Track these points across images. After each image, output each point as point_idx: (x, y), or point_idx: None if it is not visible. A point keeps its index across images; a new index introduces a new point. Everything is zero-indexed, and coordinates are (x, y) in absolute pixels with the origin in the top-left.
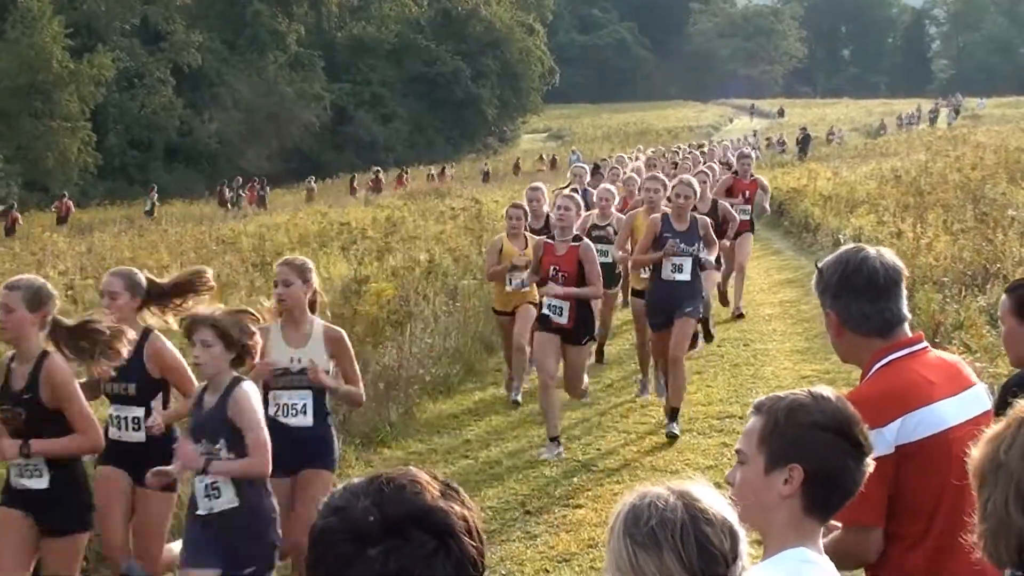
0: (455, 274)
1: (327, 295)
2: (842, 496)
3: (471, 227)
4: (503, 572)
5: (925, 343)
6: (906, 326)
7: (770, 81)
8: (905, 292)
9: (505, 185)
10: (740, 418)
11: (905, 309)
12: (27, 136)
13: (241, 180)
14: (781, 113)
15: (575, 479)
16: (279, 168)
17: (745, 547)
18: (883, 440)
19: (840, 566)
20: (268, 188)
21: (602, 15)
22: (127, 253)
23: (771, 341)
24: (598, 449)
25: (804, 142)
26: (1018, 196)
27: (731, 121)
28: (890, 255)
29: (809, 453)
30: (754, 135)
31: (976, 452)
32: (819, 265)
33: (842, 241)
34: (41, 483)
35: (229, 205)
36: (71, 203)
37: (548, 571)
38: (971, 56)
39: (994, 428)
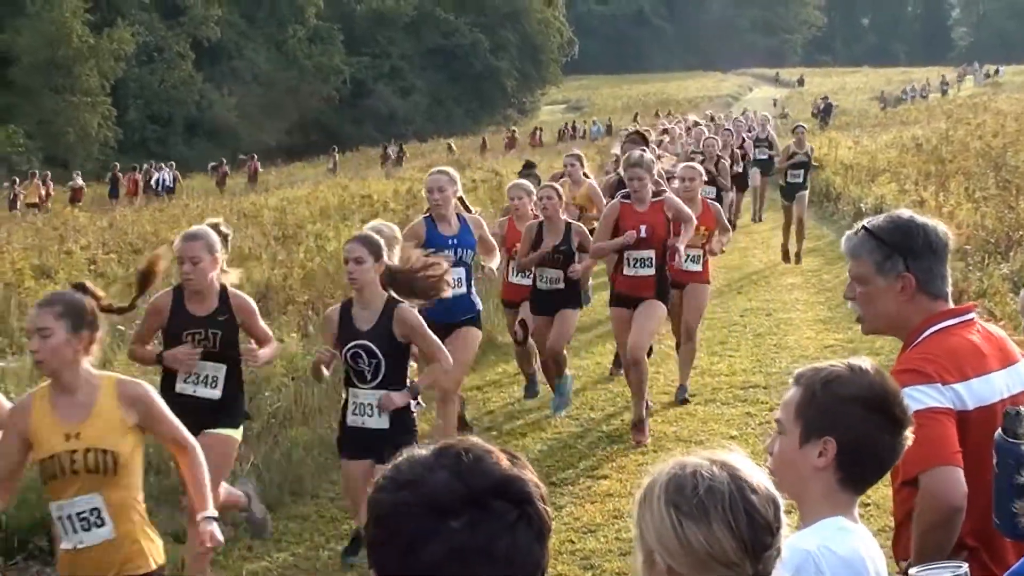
0: None
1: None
2: (877, 470)
3: (493, 199)
4: None
5: (974, 314)
6: None
7: (789, 50)
8: None
9: (526, 156)
10: (764, 388)
11: None
12: (48, 111)
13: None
14: (801, 82)
15: (599, 450)
16: (299, 142)
17: (784, 516)
18: (945, 396)
19: (931, 533)
20: (258, 165)
21: None
22: (148, 228)
23: (794, 311)
24: (622, 420)
25: (825, 111)
26: None
27: (751, 91)
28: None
29: (842, 426)
30: (774, 104)
31: None
32: (869, 227)
33: (863, 210)
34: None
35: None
36: (258, 164)
37: (573, 542)
38: (991, 23)
39: None
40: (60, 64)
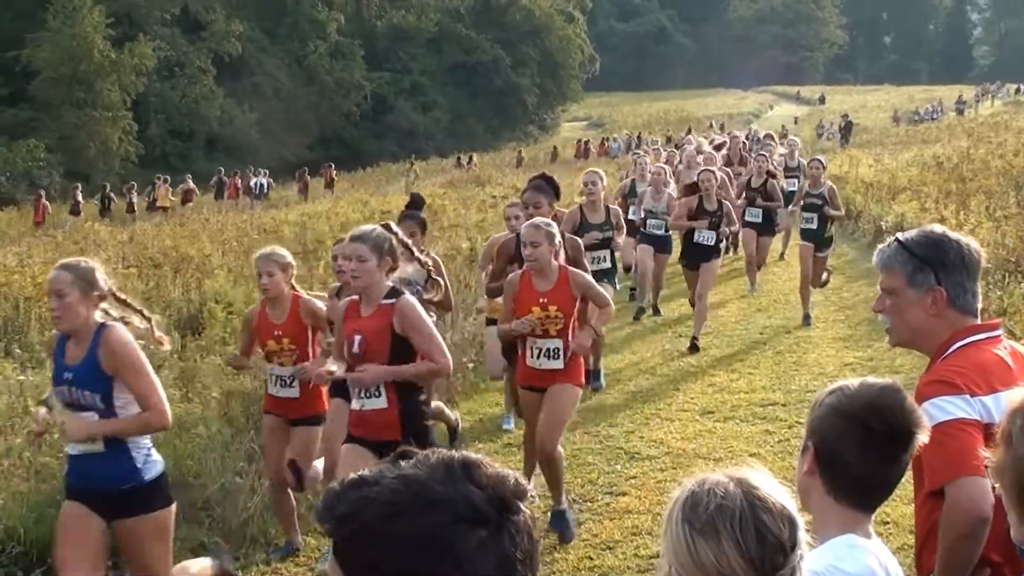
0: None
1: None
2: (851, 482)
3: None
4: (547, 560)
5: (1000, 331)
6: None
7: (810, 68)
8: None
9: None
10: (783, 405)
11: None
12: (69, 126)
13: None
14: (822, 100)
15: (618, 467)
16: (320, 157)
17: (804, 536)
18: (973, 408)
19: (957, 545)
20: (269, 180)
21: (642, 2)
22: (168, 242)
23: (814, 328)
24: (641, 437)
25: (846, 129)
26: None
27: (771, 108)
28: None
29: (819, 434)
30: (795, 122)
31: None
32: (903, 240)
33: (884, 228)
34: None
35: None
36: (333, 171)
37: (592, 558)
38: (1013, 42)
39: None
40: (81, 79)
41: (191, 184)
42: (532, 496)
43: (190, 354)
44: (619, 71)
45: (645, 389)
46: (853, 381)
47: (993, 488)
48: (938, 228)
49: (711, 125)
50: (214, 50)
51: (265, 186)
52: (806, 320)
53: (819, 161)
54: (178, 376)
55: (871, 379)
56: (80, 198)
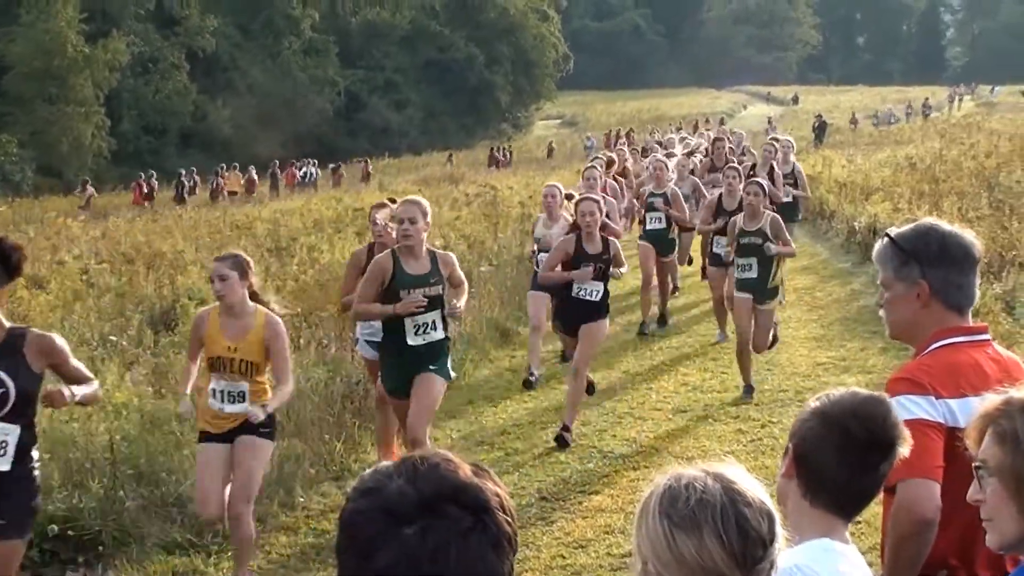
0: (470, 260)
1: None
2: (826, 486)
3: (487, 213)
4: (520, 557)
5: (988, 335)
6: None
7: (784, 68)
8: None
9: (519, 172)
10: (756, 404)
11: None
12: (41, 121)
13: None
14: (796, 100)
15: (591, 465)
16: (293, 154)
17: (780, 530)
18: (936, 409)
19: (902, 545)
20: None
21: (616, 2)
22: (141, 238)
23: (786, 328)
24: (613, 436)
25: (820, 129)
26: None
27: (745, 108)
28: (966, 233)
29: (799, 436)
30: (769, 122)
31: None
32: (892, 235)
33: (857, 229)
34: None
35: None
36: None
37: (564, 556)
38: (986, 43)
39: None
40: (54, 74)
41: (253, 174)
42: (487, 507)
43: (163, 350)
44: (593, 70)
45: (618, 388)
46: (841, 389)
47: (953, 490)
48: (928, 221)
49: (674, 127)
50: (188, 46)
51: (314, 175)
52: (747, 392)
53: (759, 186)
54: (151, 372)
55: (858, 389)
56: (156, 184)
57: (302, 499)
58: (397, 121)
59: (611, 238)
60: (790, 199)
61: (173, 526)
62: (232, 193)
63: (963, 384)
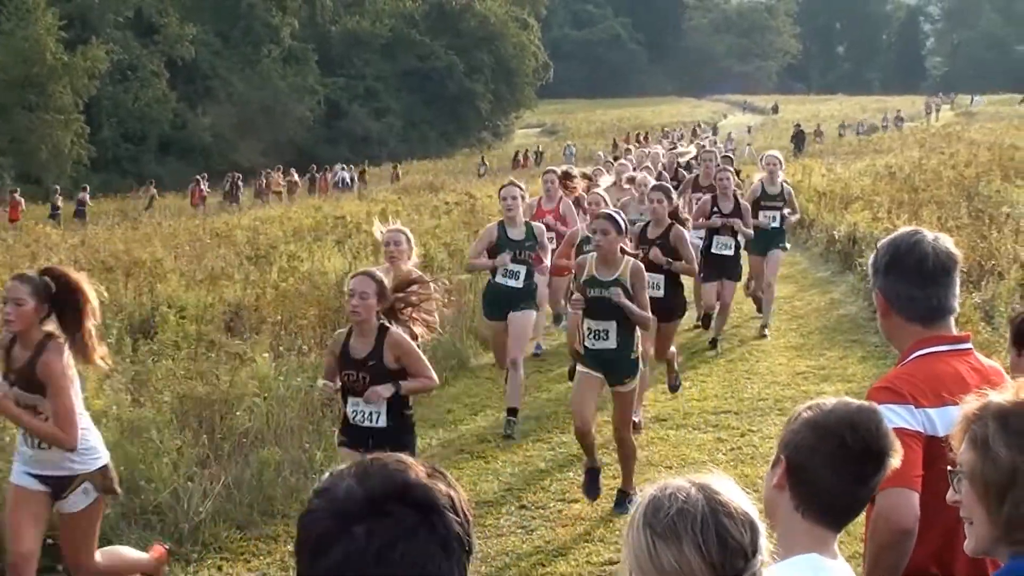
0: (450, 268)
1: (322, 289)
2: (820, 498)
3: (466, 221)
4: (499, 565)
5: (970, 344)
6: (951, 320)
7: (764, 77)
8: (957, 283)
9: (499, 180)
10: (735, 413)
11: (954, 301)
12: (20, 129)
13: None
14: (775, 109)
15: (571, 473)
16: (273, 162)
17: (765, 542)
18: (916, 418)
19: (881, 554)
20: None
21: (596, 10)
22: (120, 246)
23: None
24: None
25: (798, 138)
26: (1012, 193)
27: (725, 117)
28: (946, 242)
29: (792, 447)
30: (748, 131)
31: None
32: (877, 245)
33: (837, 237)
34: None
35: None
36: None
37: (544, 564)
38: (965, 53)
39: None
40: (34, 81)
41: (295, 176)
42: (435, 506)
43: (142, 358)
44: (573, 78)
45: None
46: (831, 398)
47: (932, 499)
48: (909, 230)
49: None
50: (167, 53)
51: (349, 180)
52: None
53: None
54: (130, 380)
55: (849, 398)
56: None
57: (281, 507)
58: (377, 129)
59: (534, 223)
60: (777, 224)
61: (152, 534)
62: (276, 193)
63: (943, 393)
